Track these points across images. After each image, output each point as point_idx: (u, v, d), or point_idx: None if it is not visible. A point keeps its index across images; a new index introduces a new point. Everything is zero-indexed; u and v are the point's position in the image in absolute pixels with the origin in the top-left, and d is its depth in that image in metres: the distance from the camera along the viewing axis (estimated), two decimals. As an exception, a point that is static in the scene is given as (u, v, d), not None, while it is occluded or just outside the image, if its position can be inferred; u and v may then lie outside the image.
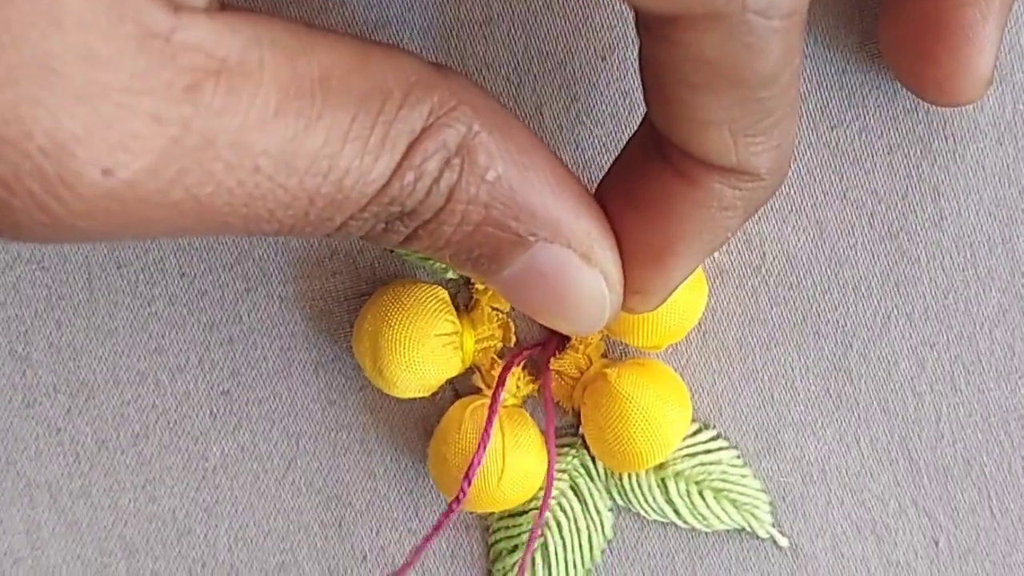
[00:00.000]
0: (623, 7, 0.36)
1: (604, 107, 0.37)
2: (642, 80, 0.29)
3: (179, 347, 0.39)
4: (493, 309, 0.38)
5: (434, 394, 0.37)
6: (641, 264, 0.31)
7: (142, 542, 0.39)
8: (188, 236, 0.27)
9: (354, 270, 0.38)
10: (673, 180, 0.30)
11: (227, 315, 0.38)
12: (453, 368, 0.37)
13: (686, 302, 0.36)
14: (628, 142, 0.31)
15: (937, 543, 0.39)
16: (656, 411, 0.36)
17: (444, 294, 0.37)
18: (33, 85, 0.23)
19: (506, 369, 0.37)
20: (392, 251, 0.38)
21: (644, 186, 0.30)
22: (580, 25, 0.37)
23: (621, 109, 0.37)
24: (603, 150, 0.37)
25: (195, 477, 0.39)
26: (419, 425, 0.39)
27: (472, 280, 0.37)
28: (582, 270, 0.30)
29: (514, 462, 0.36)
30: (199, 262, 0.38)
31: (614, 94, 0.37)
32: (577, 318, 0.31)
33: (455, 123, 0.27)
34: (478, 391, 0.38)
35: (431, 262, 0.37)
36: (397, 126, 0.27)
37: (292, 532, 0.39)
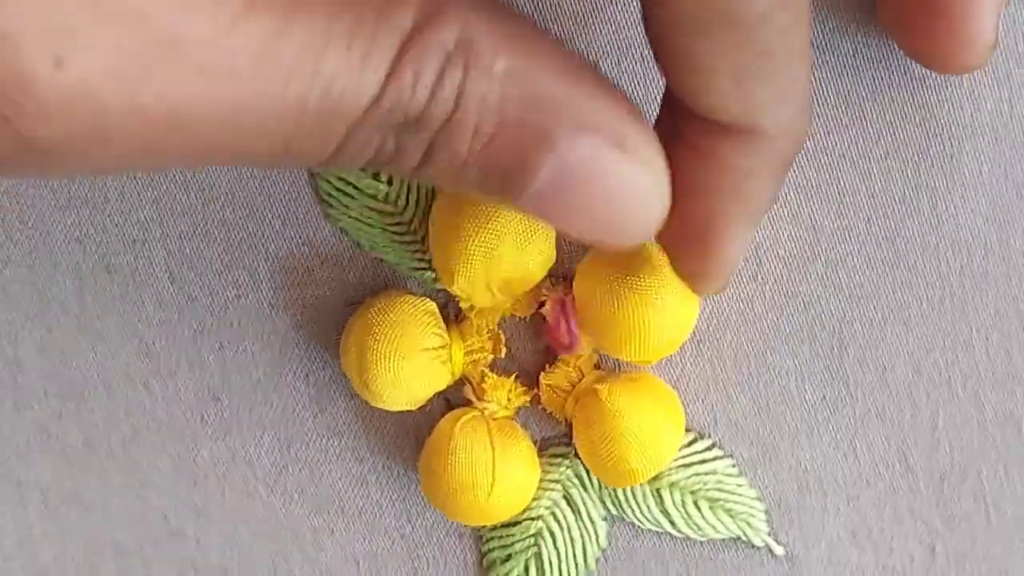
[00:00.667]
0: (619, 10, 0.36)
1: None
2: (650, 42, 0.28)
3: (169, 352, 0.39)
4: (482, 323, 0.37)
5: (425, 405, 0.37)
6: (691, 248, 0.30)
7: (133, 544, 0.39)
8: (176, 161, 0.25)
9: (344, 279, 0.38)
10: (692, 158, 0.29)
11: (217, 320, 0.38)
12: (441, 382, 0.37)
13: (677, 316, 0.35)
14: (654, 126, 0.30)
15: (933, 550, 0.39)
16: (649, 428, 0.36)
17: (433, 307, 0.36)
18: None
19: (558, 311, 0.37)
20: (382, 261, 0.37)
21: (672, 171, 0.29)
22: (573, 33, 0.37)
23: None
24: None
25: (186, 481, 0.39)
26: (411, 433, 0.39)
27: (458, 295, 0.37)
28: (619, 161, 0.27)
29: (504, 476, 0.36)
30: (189, 267, 0.38)
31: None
32: (625, 220, 0.28)
33: (450, 17, 0.26)
34: (470, 402, 0.38)
35: (423, 271, 0.37)
36: (384, 23, 0.25)
37: (284, 538, 0.39)
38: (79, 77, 0.22)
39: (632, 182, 0.27)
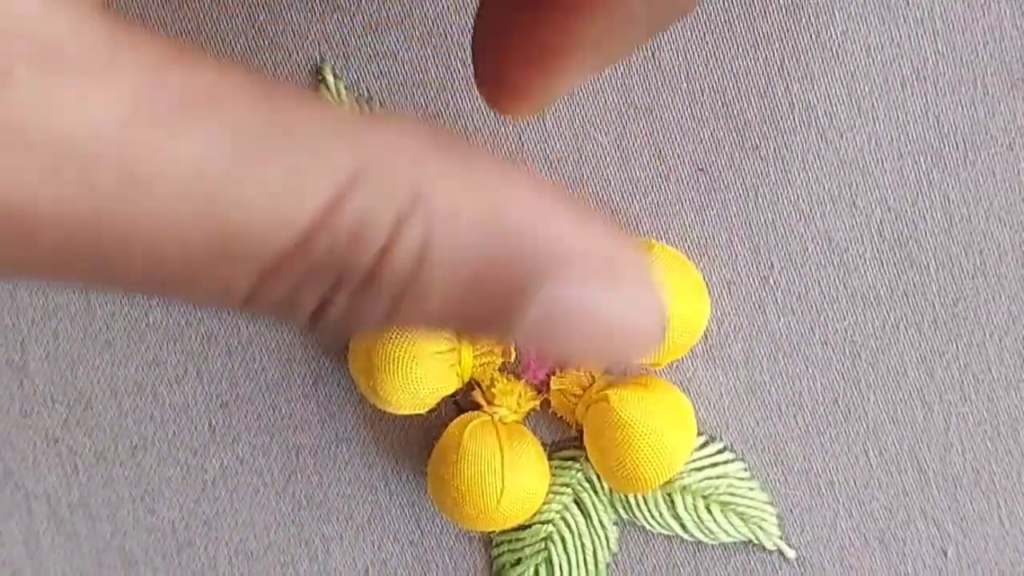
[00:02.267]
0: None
1: (608, 113, 0.37)
2: None
3: (177, 358, 0.39)
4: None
5: (434, 408, 0.37)
6: (530, 67, 0.27)
7: (141, 554, 0.39)
8: (76, 272, 0.22)
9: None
10: None
11: (225, 327, 0.38)
12: (450, 385, 0.36)
13: (688, 318, 0.36)
14: None
15: (946, 553, 0.38)
16: (660, 436, 0.36)
17: (440, 310, 0.36)
18: None
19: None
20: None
21: None
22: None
23: (625, 116, 0.37)
24: (607, 157, 0.37)
25: (194, 489, 0.39)
26: (420, 438, 0.38)
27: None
28: (607, 292, 0.25)
29: (513, 481, 0.36)
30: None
31: (618, 100, 0.37)
32: (620, 344, 0.26)
33: (398, 165, 0.22)
34: (479, 406, 0.37)
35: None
36: (315, 168, 0.21)
37: (293, 545, 0.39)
38: None
39: (627, 313, 0.25)
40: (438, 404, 0.37)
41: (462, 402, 0.38)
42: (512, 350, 0.37)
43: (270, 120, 0.21)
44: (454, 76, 0.37)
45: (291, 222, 0.21)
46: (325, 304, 0.22)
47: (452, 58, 0.37)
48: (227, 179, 0.21)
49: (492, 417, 0.37)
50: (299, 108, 0.22)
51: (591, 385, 0.37)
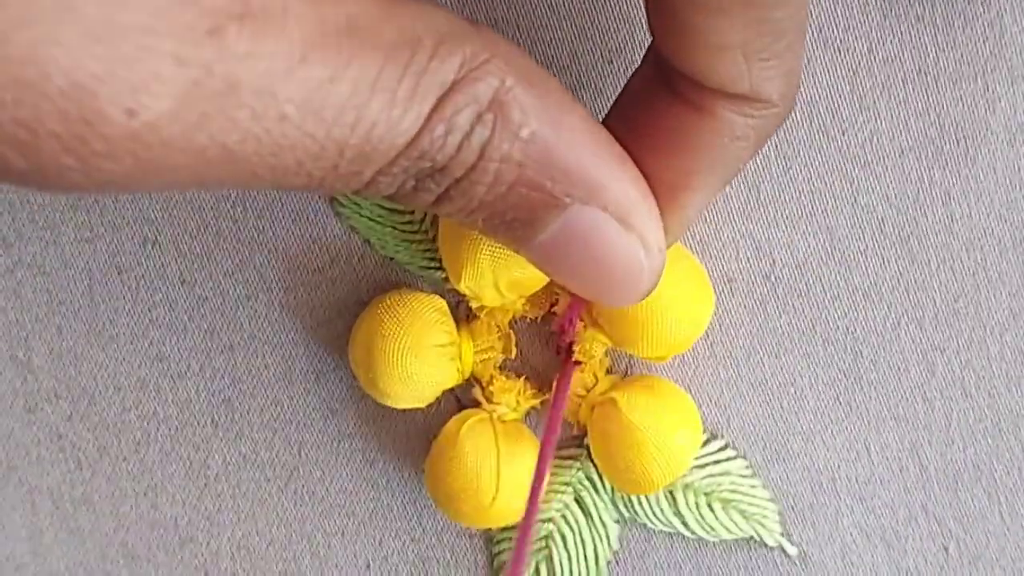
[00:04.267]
0: (628, 10, 0.36)
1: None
2: (647, 9, 0.29)
3: (180, 354, 0.39)
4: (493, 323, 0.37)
5: (435, 403, 0.37)
6: (655, 196, 0.30)
7: (144, 550, 0.39)
8: (220, 186, 0.26)
9: (355, 279, 0.38)
10: (683, 112, 0.29)
11: (228, 322, 0.38)
12: (449, 379, 0.36)
13: (692, 312, 0.36)
14: (631, 77, 0.31)
15: (947, 550, 0.38)
16: (668, 439, 0.36)
17: (442, 304, 0.36)
18: (50, 24, 0.23)
19: (562, 383, 0.36)
20: (393, 260, 0.37)
21: (653, 121, 0.30)
22: (585, 28, 0.37)
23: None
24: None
25: (197, 485, 0.39)
26: (421, 435, 0.39)
27: (467, 294, 0.37)
28: (619, 235, 0.29)
29: (509, 480, 0.36)
30: (199, 269, 0.38)
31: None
32: (613, 287, 0.30)
33: (488, 76, 0.27)
34: (477, 404, 0.37)
35: (433, 271, 0.37)
36: (427, 78, 0.26)
37: (295, 541, 0.39)
38: (146, 124, 0.24)
39: (626, 256, 0.29)
40: (438, 399, 0.37)
41: (463, 398, 0.38)
42: (513, 346, 0.37)
43: (401, 43, 0.26)
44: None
45: (404, 131, 0.26)
46: (399, 188, 0.27)
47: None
48: (366, 110, 0.25)
49: (491, 415, 0.37)
50: (418, 21, 0.26)
51: (595, 385, 0.37)
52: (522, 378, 0.37)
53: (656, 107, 0.29)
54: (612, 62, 0.37)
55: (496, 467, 0.36)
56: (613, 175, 0.28)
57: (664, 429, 0.36)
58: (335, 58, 0.25)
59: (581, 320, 0.36)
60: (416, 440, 0.38)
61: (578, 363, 0.37)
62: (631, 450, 0.36)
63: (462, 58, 0.26)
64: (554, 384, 0.37)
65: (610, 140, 0.29)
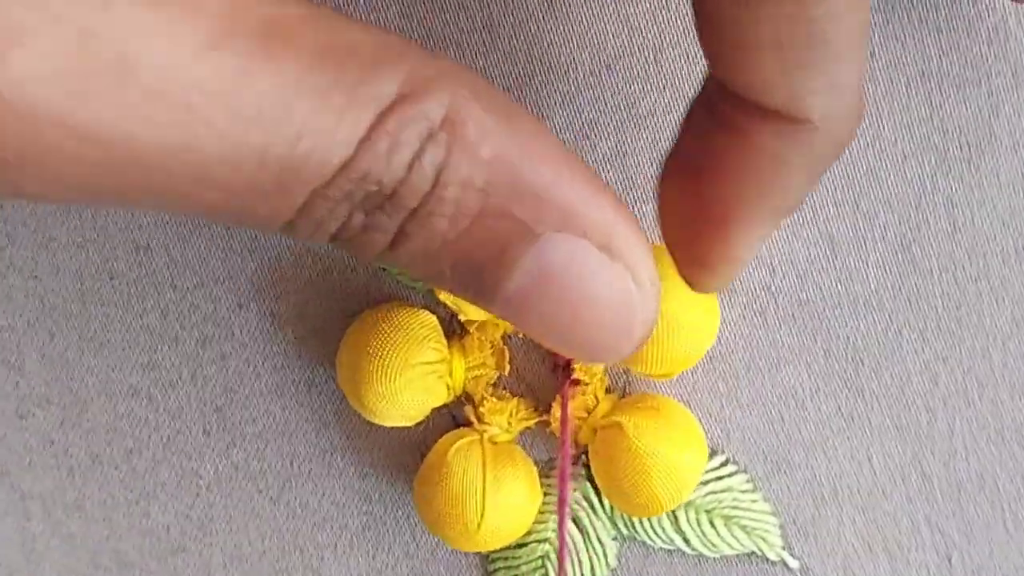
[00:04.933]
0: (629, 15, 0.36)
1: (609, 119, 0.37)
2: (695, 14, 0.27)
3: (172, 362, 0.39)
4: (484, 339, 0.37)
5: (427, 420, 0.37)
6: (703, 235, 0.28)
7: (136, 557, 0.40)
8: (122, 199, 0.23)
9: (347, 290, 0.38)
10: (725, 137, 0.27)
11: (220, 331, 0.38)
12: (438, 398, 0.36)
13: (698, 329, 0.35)
14: (688, 113, 0.29)
15: (950, 560, 0.38)
16: (676, 462, 0.35)
17: (432, 319, 0.36)
18: None
19: (564, 406, 0.35)
20: (386, 271, 0.37)
21: (700, 151, 0.28)
22: (584, 34, 0.36)
23: (626, 121, 0.37)
24: (608, 165, 0.37)
25: (189, 494, 0.39)
26: (415, 449, 0.38)
27: (452, 307, 0.36)
28: (602, 265, 0.25)
29: (495, 507, 0.35)
30: (191, 275, 0.38)
31: (619, 105, 0.37)
32: (600, 333, 0.26)
33: (437, 92, 0.24)
34: (469, 423, 0.37)
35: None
36: (363, 89, 0.23)
37: (287, 553, 0.39)
38: (15, 78, 0.21)
39: (614, 289, 0.26)
40: (428, 417, 0.36)
41: (459, 416, 0.38)
42: (507, 363, 0.37)
43: (331, 48, 0.23)
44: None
45: (340, 144, 0.23)
46: (345, 223, 0.24)
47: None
48: (290, 113, 0.22)
49: (481, 436, 0.37)
50: (352, 33, 0.23)
51: (596, 406, 0.37)
52: (516, 398, 0.37)
53: (704, 136, 0.28)
54: (611, 67, 0.37)
55: (482, 492, 0.35)
56: (589, 197, 0.25)
57: (672, 454, 0.35)
58: (252, 51, 0.22)
59: None
60: (409, 454, 0.38)
61: (577, 382, 0.36)
62: (638, 476, 0.35)
63: (406, 73, 0.24)
64: (553, 408, 0.37)
65: (584, 166, 0.26)
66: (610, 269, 0.26)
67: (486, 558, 0.39)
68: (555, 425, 0.37)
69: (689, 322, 0.35)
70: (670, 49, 0.36)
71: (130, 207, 0.24)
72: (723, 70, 0.27)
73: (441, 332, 0.36)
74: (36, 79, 0.21)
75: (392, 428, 0.38)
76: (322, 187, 0.24)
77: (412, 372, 0.35)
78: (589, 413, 0.37)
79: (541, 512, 0.38)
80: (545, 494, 0.38)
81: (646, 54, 0.36)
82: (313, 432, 0.39)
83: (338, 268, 0.38)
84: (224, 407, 0.39)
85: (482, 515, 0.35)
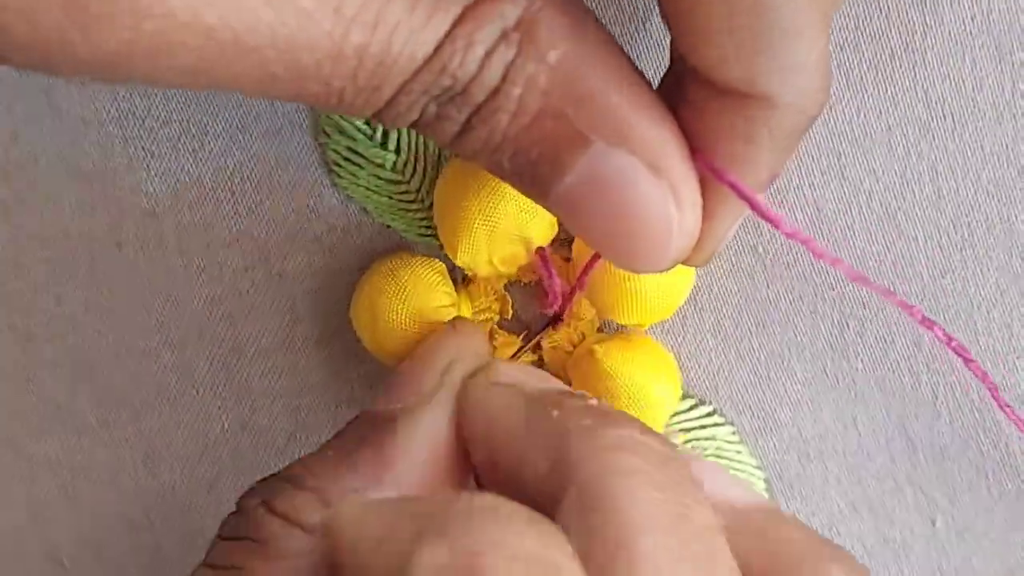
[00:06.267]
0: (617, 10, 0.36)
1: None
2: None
3: (179, 323, 0.39)
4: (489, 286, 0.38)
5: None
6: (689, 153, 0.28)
7: (144, 518, 0.40)
8: (236, 84, 0.25)
9: (352, 246, 0.38)
10: (689, 114, 0.27)
11: (227, 290, 0.38)
12: None
13: (670, 281, 0.36)
14: (659, 87, 0.29)
15: (934, 522, 0.39)
16: (642, 387, 0.36)
17: (442, 267, 0.37)
18: None
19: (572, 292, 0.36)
20: (389, 228, 0.37)
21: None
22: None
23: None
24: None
25: (196, 452, 0.39)
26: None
27: (465, 268, 0.37)
28: (648, 182, 0.26)
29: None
30: (198, 238, 0.38)
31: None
32: (640, 244, 0.27)
33: None
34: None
35: (430, 238, 0.37)
36: None
37: (293, 507, 0.39)
38: None
39: (655, 204, 0.27)
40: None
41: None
42: (509, 308, 0.38)
43: None
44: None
45: (425, 42, 0.25)
46: (421, 113, 0.26)
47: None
48: (385, 14, 0.24)
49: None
50: None
51: (582, 341, 0.38)
52: (521, 335, 0.38)
53: (673, 112, 0.28)
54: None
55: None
56: (643, 115, 0.26)
57: (639, 378, 0.36)
58: None
59: (570, 284, 0.36)
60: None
61: (560, 319, 0.37)
62: (605, 398, 0.36)
63: None
64: (542, 336, 0.38)
65: (644, 82, 0.27)
66: (654, 187, 0.26)
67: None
68: (547, 353, 0.38)
69: (661, 275, 0.35)
70: (656, 18, 0.36)
71: (235, 91, 0.25)
72: (683, 47, 0.27)
73: (449, 279, 0.37)
74: None
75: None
76: (407, 82, 0.25)
77: (428, 315, 0.36)
78: (575, 347, 0.37)
79: None
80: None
81: (634, 22, 0.36)
82: (320, 386, 0.39)
83: (343, 227, 0.38)
84: (232, 365, 0.39)
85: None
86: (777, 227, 0.28)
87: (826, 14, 0.26)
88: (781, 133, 0.27)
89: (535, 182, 0.27)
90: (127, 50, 0.24)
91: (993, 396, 0.37)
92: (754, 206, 0.28)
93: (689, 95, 0.27)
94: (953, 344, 0.36)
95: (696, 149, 0.28)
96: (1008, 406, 0.37)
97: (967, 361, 0.36)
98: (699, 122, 0.27)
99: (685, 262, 0.29)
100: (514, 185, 0.28)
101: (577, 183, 0.26)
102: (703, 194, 0.28)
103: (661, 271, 0.28)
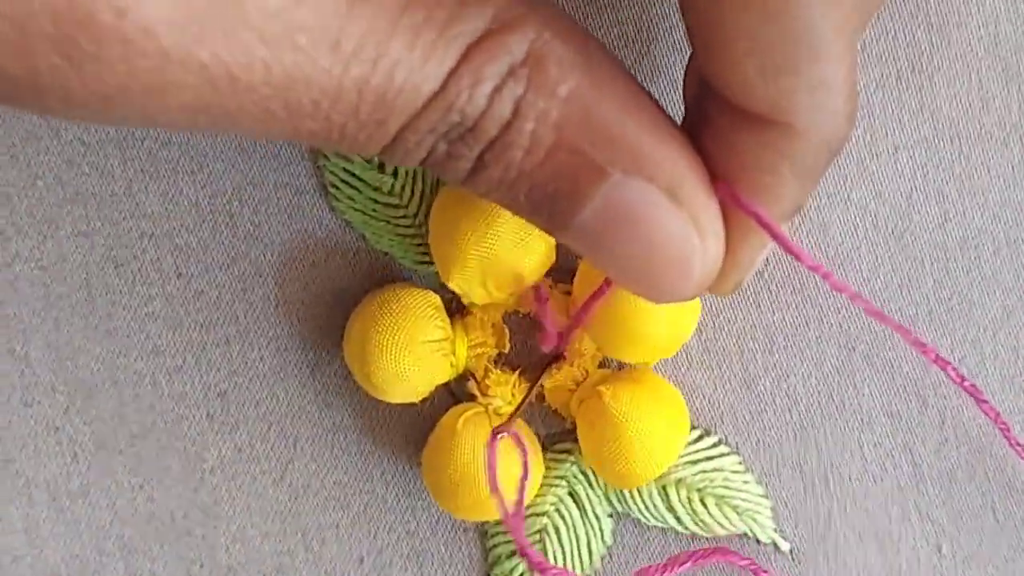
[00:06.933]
0: (618, 8, 0.36)
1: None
2: (681, 12, 0.27)
3: (176, 347, 0.39)
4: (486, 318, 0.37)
5: (427, 398, 0.37)
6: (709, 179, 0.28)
7: (140, 542, 0.39)
8: (234, 124, 0.25)
9: (350, 273, 0.38)
10: (712, 144, 0.27)
11: (224, 316, 0.38)
12: (443, 374, 0.36)
13: (675, 319, 0.35)
14: (684, 117, 0.29)
15: (940, 549, 0.38)
16: (653, 432, 0.36)
17: (436, 299, 0.36)
18: None
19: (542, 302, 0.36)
20: (388, 255, 0.37)
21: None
22: (586, 21, 0.36)
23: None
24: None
25: (193, 478, 0.39)
26: (416, 427, 0.38)
27: (459, 293, 0.37)
28: (667, 211, 0.26)
29: (506, 471, 0.36)
30: (195, 262, 0.38)
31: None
32: (662, 275, 0.27)
33: (523, 28, 0.25)
34: (474, 397, 0.37)
35: (427, 265, 0.37)
36: (455, 25, 0.25)
37: (289, 534, 0.39)
38: (140, 26, 0.23)
39: (675, 235, 0.26)
40: (432, 394, 0.37)
41: (457, 392, 0.38)
42: (506, 340, 0.38)
43: None
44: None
45: (430, 77, 0.25)
46: (431, 151, 0.26)
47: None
48: (386, 49, 0.24)
49: (486, 408, 0.37)
50: None
51: (585, 379, 0.37)
52: (516, 371, 0.37)
53: (695, 141, 0.27)
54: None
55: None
56: (659, 143, 0.26)
57: (648, 422, 0.36)
58: None
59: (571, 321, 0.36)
60: (411, 433, 0.39)
61: (562, 357, 0.37)
62: (614, 443, 0.36)
63: (494, 10, 0.25)
64: (544, 377, 0.37)
65: (657, 109, 0.27)
66: (675, 217, 0.26)
67: (485, 534, 0.39)
68: (548, 391, 0.38)
69: (665, 314, 0.35)
70: (661, 39, 0.36)
71: (236, 133, 0.25)
72: (708, 69, 0.27)
73: (444, 311, 0.36)
74: (156, 24, 0.23)
75: (393, 407, 0.38)
76: (413, 119, 0.25)
77: (420, 349, 0.35)
78: (578, 385, 0.37)
79: (540, 486, 0.38)
80: (547, 467, 0.38)
81: (637, 45, 0.36)
82: (316, 413, 0.39)
83: (340, 253, 0.38)
84: (228, 391, 0.39)
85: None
86: (800, 259, 0.28)
87: (852, 39, 0.26)
88: (805, 162, 0.27)
89: (553, 216, 0.27)
90: (122, 88, 0.23)
91: (1005, 436, 0.37)
92: (775, 236, 0.27)
93: (713, 123, 0.27)
94: (966, 384, 0.36)
95: (717, 177, 0.27)
96: (1020, 444, 0.37)
97: (979, 402, 0.36)
98: (723, 151, 0.27)
99: (711, 290, 0.29)
100: (532, 221, 0.28)
101: (596, 215, 0.26)
102: (726, 223, 0.28)
103: (686, 300, 0.28)
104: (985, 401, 0.36)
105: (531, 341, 0.38)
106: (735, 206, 0.27)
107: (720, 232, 0.27)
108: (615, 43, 0.36)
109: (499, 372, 0.37)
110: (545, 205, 0.27)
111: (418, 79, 0.25)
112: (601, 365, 0.38)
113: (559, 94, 0.25)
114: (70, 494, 0.39)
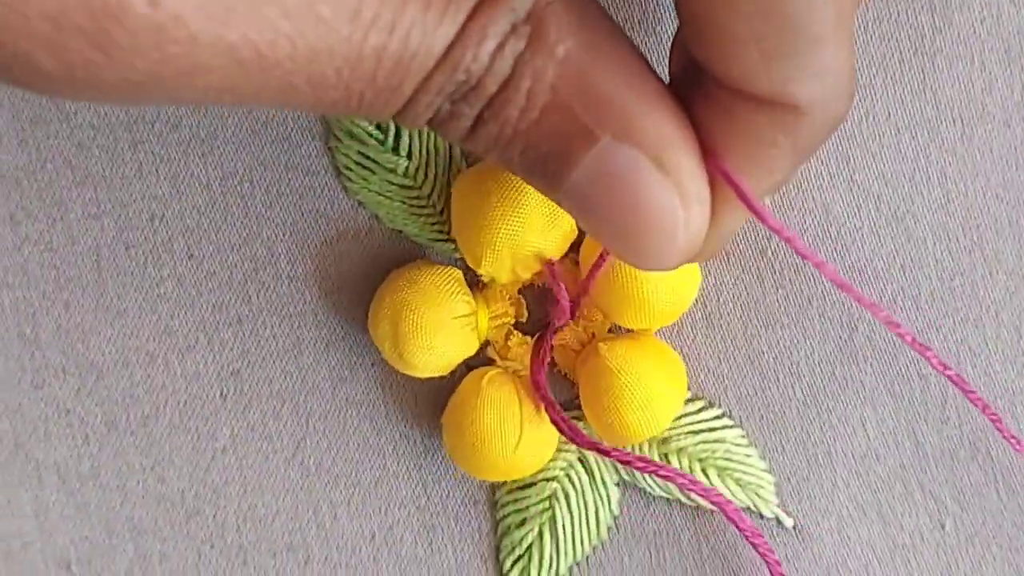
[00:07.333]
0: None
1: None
2: (676, 9, 0.27)
3: (188, 328, 0.39)
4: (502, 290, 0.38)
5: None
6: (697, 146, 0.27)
7: (151, 523, 0.39)
8: (258, 100, 0.25)
9: (363, 251, 0.38)
10: (711, 112, 0.27)
11: (236, 295, 0.38)
12: (471, 348, 0.37)
13: (676, 285, 0.36)
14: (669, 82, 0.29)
15: (943, 526, 0.38)
16: (646, 384, 0.36)
17: (459, 274, 0.37)
18: None
19: (541, 341, 0.37)
20: (400, 232, 0.37)
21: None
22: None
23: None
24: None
25: (204, 458, 0.39)
26: (429, 402, 0.39)
27: (486, 277, 0.37)
28: (653, 178, 0.26)
29: (530, 431, 0.36)
30: (207, 243, 0.38)
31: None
32: (646, 239, 0.27)
33: None
34: (491, 362, 0.38)
35: (442, 242, 0.37)
36: None
37: (301, 512, 0.39)
38: (171, 15, 0.23)
39: (660, 200, 0.26)
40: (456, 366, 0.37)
41: (470, 361, 0.38)
42: (524, 310, 0.38)
43: None
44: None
45: (440, 40, 0.25)
46: (436, 111, 0.27)
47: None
48: (401, 15, 0.25)
49: (506, 370, 0.37)
50: None
51: (590, 341, 0.37)
52: (535, 336, 0.38)
53: (689, 108, 0.27)
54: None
55: (519, 415, 0.36)
56: (648, 109, 0.26)
57: (642, 376, 0.36)
58: None
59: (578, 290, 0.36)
60: (424, 408, 0.39)
61: (565, 322, 0.37)
62: (608, 395, 0.36)
63: None
64: (556, 336, 0.37)
65: (653, 76, 0.27)
66: (660, 184, 0.26)
67: (495, 505, 0.39)
68: (556, 350, 0.38)
69: (666, 279, 0.35)
70: (667, 18, 0.36)
71: (256, 106, 0.26)
72: (707, 62, 0.27)
73: (467, 287, 0.37)
74: (187, 11, 0.23)
75: (406, 382, 0.38)
76: (424, 80, 0.26)
77: (451, 325, 0.36)
78: (584, 347, 0.37)
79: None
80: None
81: (643, 27, 0.36)
82: (328, 390, 0.39)
83: (353, 232, 0.38)
84: (240, 370, 0.39)
85: (520, 435, 0.36)
86: (763, 221, 0.28)
87: (851, 17, 0.26)
88: (806, 140, 0.27)
89: (545, 176, 0.27)
90: (153, 75, 0.24)
91: (997, 428, 0.37)
92: (740, 194, 0.27)
93: (709, 96, 0.27)
94: (949, 372, 0.36)
95: (705, 146, 0.27)
96: (1013, 437, 0.37)
97: (966, 392, 0.36)
98: (718, 123, 0.27)
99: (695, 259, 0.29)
100: (526, 180, 0.28)
101: (585, 178, 0.26)
102: (711, 193, 0.28)
103: (669, 268, 0.28)
104: (972, 391, 0.36)
105: (544, 311, 0.38)
106: (717, 175, 0.27)
107: (706, 201, 0.27)
108: (623, 19, 0.36)
109: (520, 335, 0.38)
110: (539, 165, 0.27)
111: (431, 41, 0.25)
112: (610, 332, 0.38)
113: (556, 54, 0.26)
114: (80, 476, 0.39)
